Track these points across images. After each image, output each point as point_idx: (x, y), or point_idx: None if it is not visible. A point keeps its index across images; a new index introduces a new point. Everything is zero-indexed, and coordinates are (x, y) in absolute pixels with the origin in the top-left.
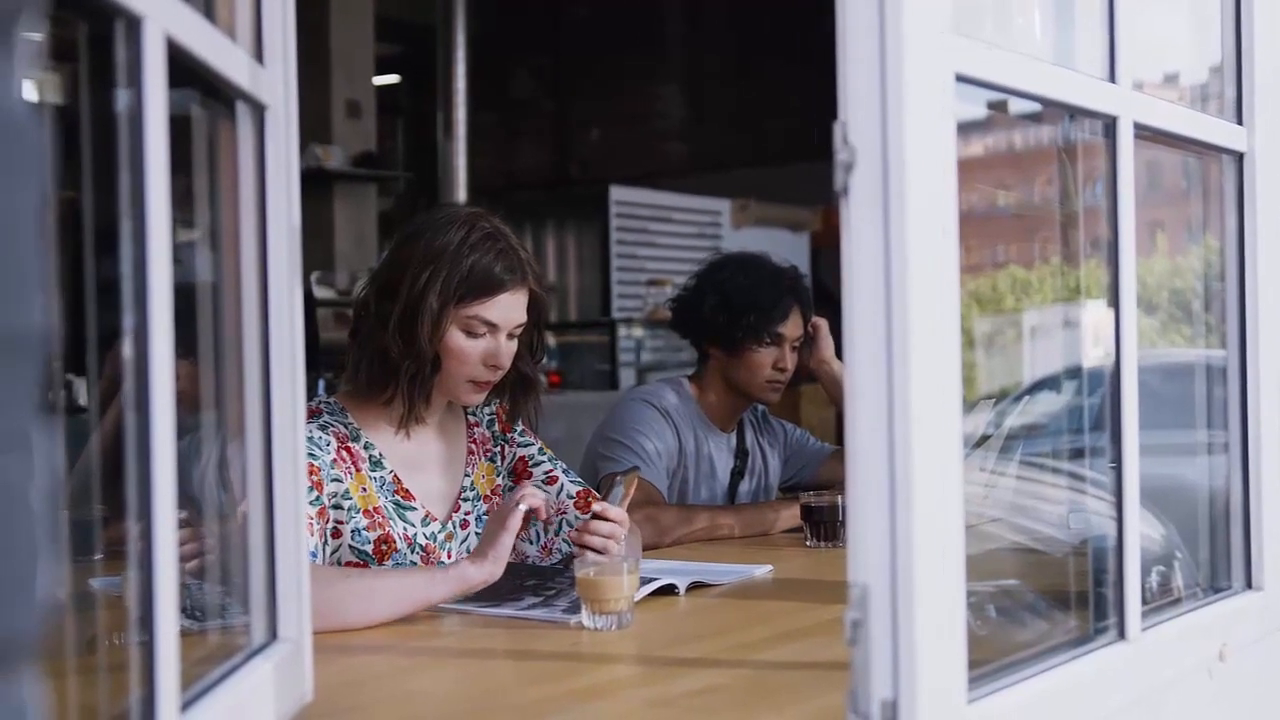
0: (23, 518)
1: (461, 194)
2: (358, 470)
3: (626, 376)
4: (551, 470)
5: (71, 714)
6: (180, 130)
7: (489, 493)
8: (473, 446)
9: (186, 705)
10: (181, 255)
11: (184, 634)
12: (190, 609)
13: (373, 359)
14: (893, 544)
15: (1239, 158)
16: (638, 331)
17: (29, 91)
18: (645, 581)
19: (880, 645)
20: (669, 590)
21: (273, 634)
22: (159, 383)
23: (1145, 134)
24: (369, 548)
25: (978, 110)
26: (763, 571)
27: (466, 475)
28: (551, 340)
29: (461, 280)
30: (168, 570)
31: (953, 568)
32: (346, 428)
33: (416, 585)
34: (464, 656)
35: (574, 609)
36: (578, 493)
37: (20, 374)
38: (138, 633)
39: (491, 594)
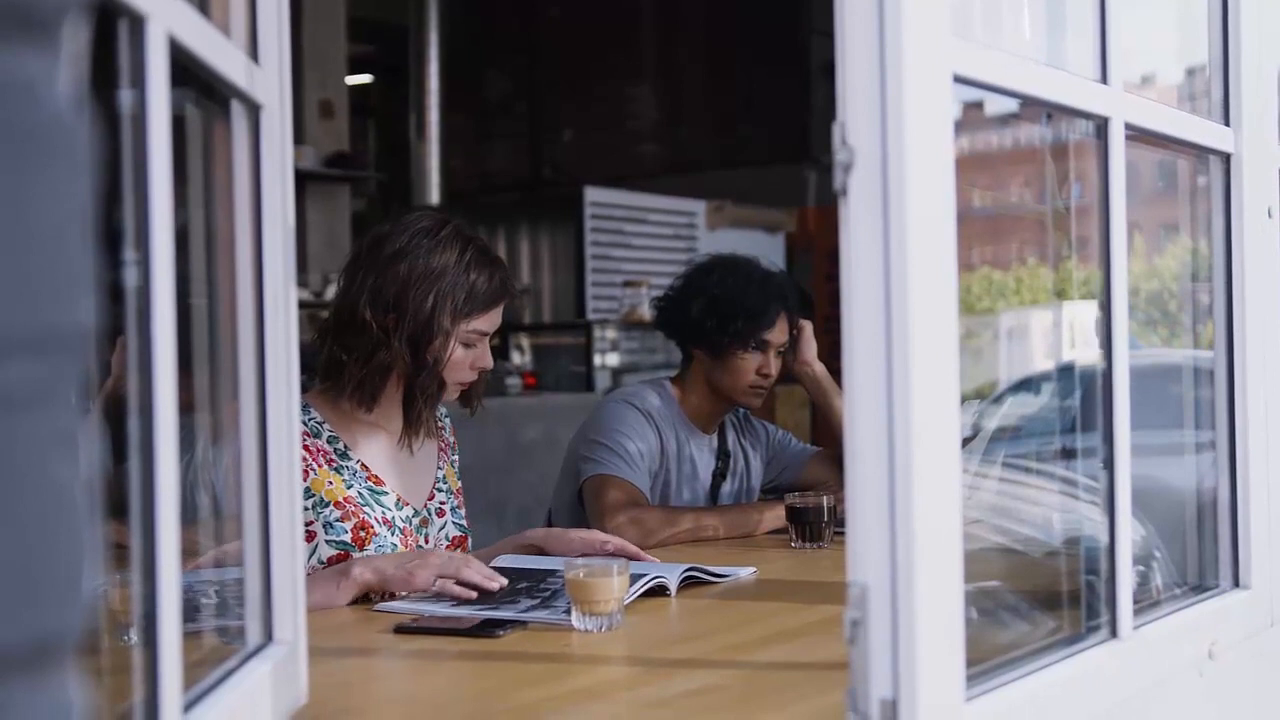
0: (70, 517)
1: (434, 195)
2: (320, 466)
3: (601, 378)
4: (458, 504)
5: None
6: (174, 130)
7: (456, 489)
8: (442, 444)
9: (187, 707)
10: (175, 255)
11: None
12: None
13: (376, 373)
14: (892, 543)
15: (1226, 158)
16: (613, 333)
17: (74, 88)
18: (635, 578)
19: (880, 644)
20: (659, 591)
21: (268, 636)
22: (162, 383)
23: (1135, 135)
24: (347, 537)
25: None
26: (748, 573)
27: (439, 468)
28: (526, 342)
29: (467, 298)
30: (170, 573)
31: (952, 567)
32: (307, 424)
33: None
34: (457, 659)
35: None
36: (454, 537)
37: (68, 373)
38: (132, 634)
39: (486, 598)
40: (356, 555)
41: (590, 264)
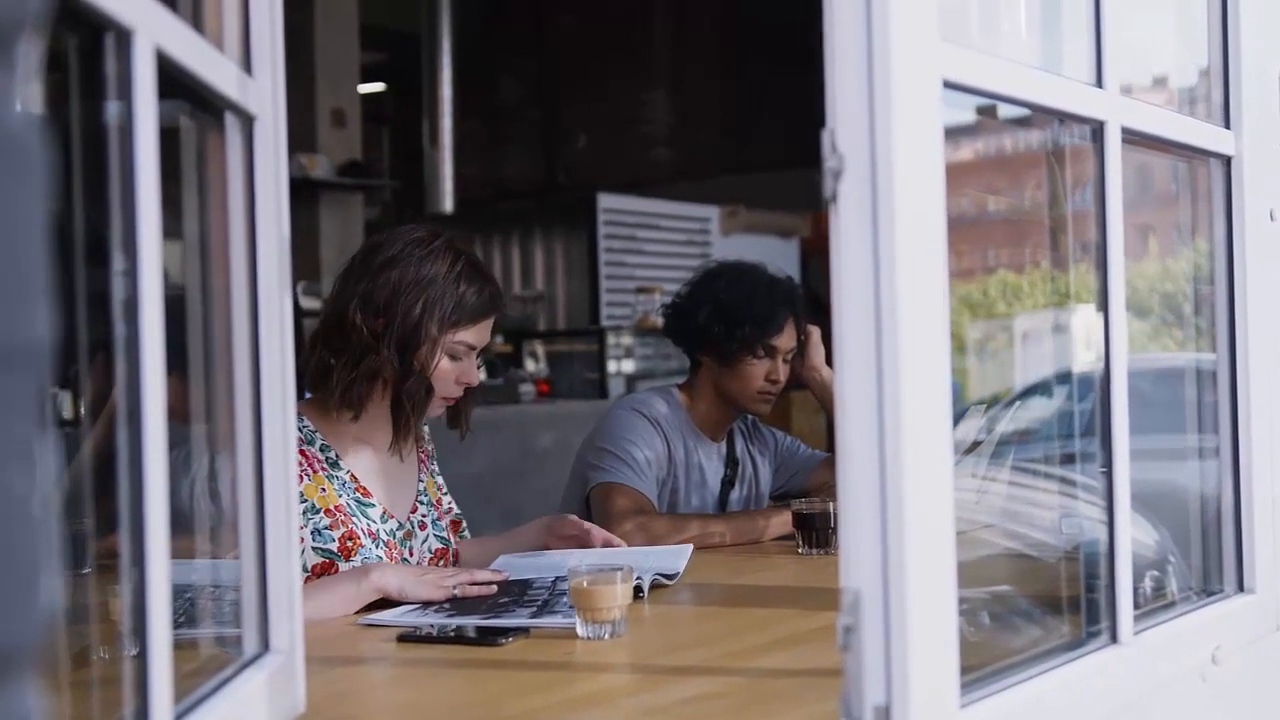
0: (26, 527)
1: (448, 203)
2: (315, 472)
3: (615, 385)
4: (437, 515)
5: None
6: (168, 141)
7: (436, 500)
8: (423, 457)
9: (180, 716)
10: (169, 267)
11: (175, 645)
12: (179, 619)
13: (364, 379)
14: (884, 549)
15: (1227, 161)
16: (627, 339)
17: (30, 104)
18: None
19: (873, 651)
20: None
21: (265, 645)
22: (150, 395)
23: (1133, 138)
24: (334, 546)
25: (966, 115)
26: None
27: (420, 481)
28: (540, 349)
29: (455, 308)
30: (160, 583)
31: (944, 572)
32: (301, 431)
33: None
34: (456, 667)
35: (574, 613)
36: (437, 550)
37: (24, 385)
38: (130, 645)
39: (470, 609)
40: (344, 566)
41: (604, 270)
